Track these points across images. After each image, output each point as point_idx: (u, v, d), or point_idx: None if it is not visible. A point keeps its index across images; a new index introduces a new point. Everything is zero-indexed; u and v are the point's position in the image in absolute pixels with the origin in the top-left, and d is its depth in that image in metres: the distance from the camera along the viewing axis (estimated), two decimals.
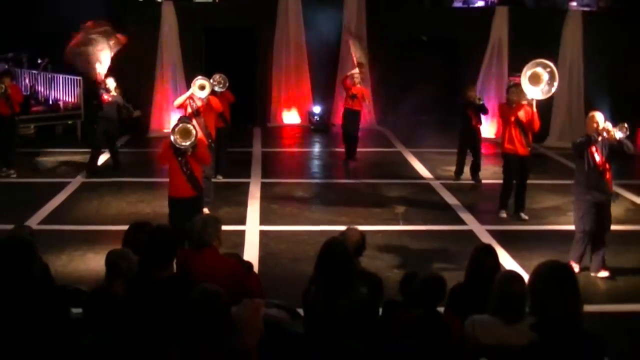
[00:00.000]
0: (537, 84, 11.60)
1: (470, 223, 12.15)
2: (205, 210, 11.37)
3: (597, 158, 9.57)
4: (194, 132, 9.46)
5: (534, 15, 20.02)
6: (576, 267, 9.49)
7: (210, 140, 12.39)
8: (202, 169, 10.16)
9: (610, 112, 18.59)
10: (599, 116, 9.61)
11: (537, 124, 12.10)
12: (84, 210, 12.63)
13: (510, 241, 11.07)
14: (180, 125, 9.51)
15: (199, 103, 12.36)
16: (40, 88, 20.65)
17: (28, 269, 4.79)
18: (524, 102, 12.00)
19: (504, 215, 12.48)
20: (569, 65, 18.86)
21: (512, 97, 12.20)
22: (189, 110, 12.34)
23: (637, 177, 15.54)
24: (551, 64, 11.73)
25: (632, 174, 15.45)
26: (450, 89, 20.73)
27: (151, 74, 19.49)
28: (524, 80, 11.61)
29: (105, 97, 14.98)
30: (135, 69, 19.60)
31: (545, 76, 11.57)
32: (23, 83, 20.12)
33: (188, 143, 9.39)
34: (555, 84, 11.63)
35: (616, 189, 14.14)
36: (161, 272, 5.46)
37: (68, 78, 19.66)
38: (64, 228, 11.55)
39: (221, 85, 13.99)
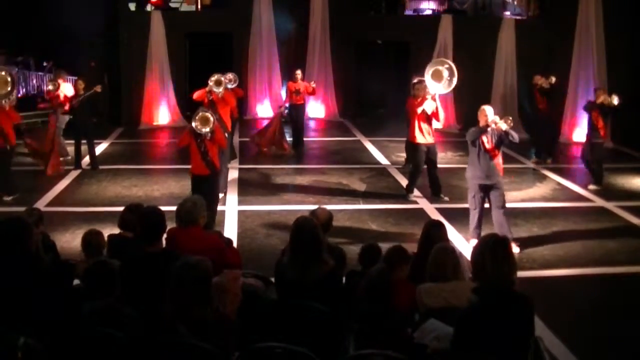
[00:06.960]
0: (438, 80, 11.47)
1: (421, 202, 12.14)
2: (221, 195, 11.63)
3: (488, 145, 9.44)
4: (212, 119, 9.59)
5: (474, 22, 20.12)
6: (474, 241, 9.26)
7: (225, 132, 11.84)
8: (219, 153, 10.22)
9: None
10: (488, 109, 9.46)
11: (441, 115, 11.98)
12: (84, 194, 12.50)
13: (455, 217, 11.06)
14: (201, 113, 9.65)
15: (217, 93, 11.91)
16: (46, 88, 20.40)
17: (26, 244, 4.78)
18: (428, 97, 11.76)
19: (412, 197, 12.19)
20: (504, 64, 19.02)
21: (418, 93, 11.97)
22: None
23: (562, 161, 15.67)
24: (450, 62, 11.61)
25: (558, 159, 15.59)
26: (402, 85, 20.76)
27: (142, 73, 19.34)
28: (427, 77, 11.47)
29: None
30: (128, 69, 19.53)
31: (445, 73, 11.45)
32: (31, 83, 19.86)
33: (207, 129, 9.54)
34: (455, 79, 11.44)
35: (546, 172, 14.36)
36: (151, 247, 5.43)
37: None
38: (67, 210, 11.44)
39: (232, 83, 13.87)
